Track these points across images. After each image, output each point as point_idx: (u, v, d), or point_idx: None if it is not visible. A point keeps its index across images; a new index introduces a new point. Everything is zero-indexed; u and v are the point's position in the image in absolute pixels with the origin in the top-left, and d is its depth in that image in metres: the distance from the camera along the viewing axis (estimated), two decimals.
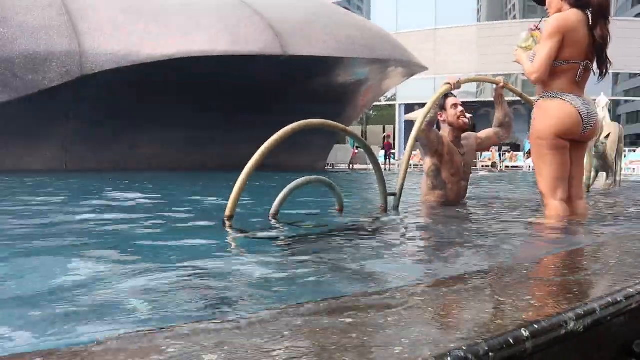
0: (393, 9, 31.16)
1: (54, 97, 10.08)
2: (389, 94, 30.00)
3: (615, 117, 25.70)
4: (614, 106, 25.92)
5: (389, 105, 32.57)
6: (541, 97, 3.76)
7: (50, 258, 2.34)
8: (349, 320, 1.16)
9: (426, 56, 21.82)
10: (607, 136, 7.56)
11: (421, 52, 19.24)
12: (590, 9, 3.62)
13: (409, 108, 30.24)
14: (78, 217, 3.92)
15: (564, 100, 3.62)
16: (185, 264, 2.15)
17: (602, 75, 3.74)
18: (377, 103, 28.41)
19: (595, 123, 3.71)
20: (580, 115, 3.61)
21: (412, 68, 14.17)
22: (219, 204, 4.47)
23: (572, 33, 3.56)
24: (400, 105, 31.59)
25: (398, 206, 4.26)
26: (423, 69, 14.49)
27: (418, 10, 30.41)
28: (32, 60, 9.84)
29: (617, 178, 8.14)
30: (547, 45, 3.56)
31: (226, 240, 3.00)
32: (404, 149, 5.18)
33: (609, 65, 3.72)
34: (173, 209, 4.50)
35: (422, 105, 4.79)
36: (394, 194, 4.26)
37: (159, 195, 5.90)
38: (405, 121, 29.54)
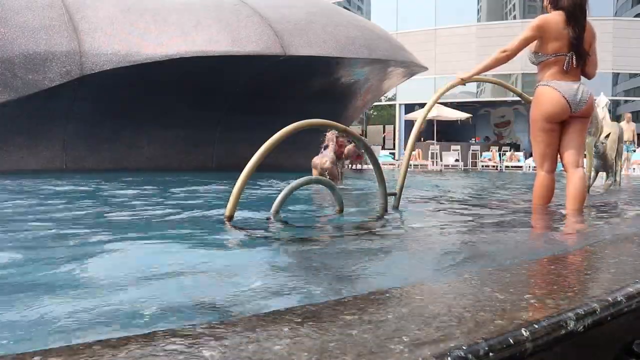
0: (393, 9, 31.12)
1: (54, 97, 10.03)
2: (389, 94, 29.97)
3: (615, 117, 25.68)
4: (614, 106, 25.88)
5: (389, 105, 32.55)
6: (536, 86, 4.43)
7: (48, 256, 2.34)
8: (348, 318, 1.16)
9: (426, 56, 21.80)
10: (607, 136, 7.55)
11: (421, 52, 19.22)
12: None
13: (409, 108, 30.21)
14: (74, 215, 3.92)
15: (551, 87, 4.26)
16: (185, 264, 2.15)
17: (579, 65, 4.29)
18: (377, 103, 28.37)
19: (587, 102, 4.27)
20: (566, 99, 4.22)
21: (412, 68, 14.12)
22: (219, 204, 4.46)
23: (552, 31, 4.23)
24: (400, 105, 31.55)
25: (398, 206, 4.26)
26: (423, 69, 14.44)
27: (418, 10, 30.36)
28: (32, 60, 9.79)
29: (617, 178, 8.14)
30: (523, 34, 4.33)
31: (226, 240, 3.00)
32: (404, 149, 5.33)
33: (586, 57, 4.30)
34: (172, 208, 4.50)
35: (422, 105, 4.96)
36: (394, 194, 4.25)
37: (159, 195, 5.89)
38: (406, 121, 29.50)
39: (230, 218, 3.29)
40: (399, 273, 2.04)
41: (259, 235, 3.03)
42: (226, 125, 12.26)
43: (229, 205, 3.30)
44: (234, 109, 12.08)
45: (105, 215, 4.09)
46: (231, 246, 2.85)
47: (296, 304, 1.34)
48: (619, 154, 8.05)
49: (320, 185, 4.35)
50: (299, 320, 1.15)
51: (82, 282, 1.89)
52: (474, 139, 28.90)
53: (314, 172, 7.25)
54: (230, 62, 10.77)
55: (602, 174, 8.07)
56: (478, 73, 4.60)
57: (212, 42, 10.63)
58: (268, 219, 3.46)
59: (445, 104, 25.83)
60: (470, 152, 24.93)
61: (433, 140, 25.65)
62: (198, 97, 11.52)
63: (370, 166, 4.24)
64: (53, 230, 3.17)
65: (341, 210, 3.91)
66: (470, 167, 24.31)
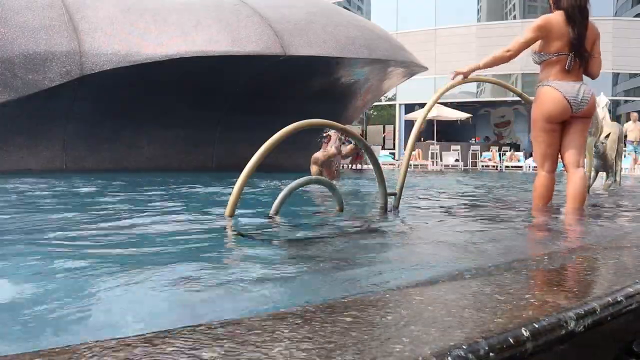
0: (393, 9, 31.13)
1: (54, 97, 10.02)
2: (389, 94, 29.96)
3: (615, 117, 25.67)
4: (613, 106, 25.87)
5: (389, 105, 32.56)
6: (537, 85, 4.43)
7: (45, 255, 2.34)
8: (348, 319, 1.16)
9: (426, 56, 21.79)
10: (607, 136, 7.56)
11: (421, 52, 19.21)
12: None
13: (409, 108, 30.20)
14: (70, 217, 3.91)
15: (553, 87, 4.25)
16: (184, 264, 2.15)
17: (581, 65, 4.30)
18: (377, 103, 28.36)
19: (588, 102, 4.26)
20: (567, 99, 4.21)
21: (412, 68, 14.10)
22: (219, 204, 4.46)
23: (554, 31, 4.23)
24: (400, 105, 31.54)
25: (398, 206, 4.26)
26: (423, 69, 14.41)
27: (418, 10, 30.37)
28: (32, 60, 9.79)
29: (617, 178, 8.14)
30: (526, 35, 4.32)
31: (226, 240, 3.00)
32: (404, 149, 5.36)
33: (587, 56, 4.29)
34: (172, 208, 4.50)
35: (422, 105, 4.99)
36: (394, 194, 4.25)
37: (159, 195, 5.90)
38: (406, 121, 29.49)
39: (230, 218, 3.29)
40: (398, 273, 2.04)
41: (258, 235, 3.03)
42: (226, 125, 12.26)
43: (229, 205, 3.30)
44: (234, 109, 12.08)
45: (105, 215, 4.09)
46: (231, 246, 2.85)
47: (296, 304, 1.33)
48: (619, 154, 8.06)
49: (320, 186, 4.35)
50: (299, 321, 1.14)
51: (73, 280, 1.88)
52: (474, 139, 28.90)
53: (314, 168, 7.27)
54: (230, 62, 10.77)
55: (602, 174, 8.08)
56: (478, 69, 4.59)
57: (212, 42, 10.62)
58: (268, 218, 3.46)
59: (445, 104, 25.85)
60: (470, 152, 24.94)
61: (433, 140, 25.66)
62: (198, 97, 11.51)
63: (370, 166, 4.24)
64: (55, 233, 3.16)
65: (341, 210, 3.91)
66: (470, 167, 24.32)
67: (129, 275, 1.94)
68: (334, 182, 5.87)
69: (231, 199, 3.29)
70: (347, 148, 7.48)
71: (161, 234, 3.09)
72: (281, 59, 11.04)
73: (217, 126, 12.36)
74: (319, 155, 7.34)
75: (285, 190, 3.54)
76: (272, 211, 3.48)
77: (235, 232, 3.15)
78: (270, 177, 7.83)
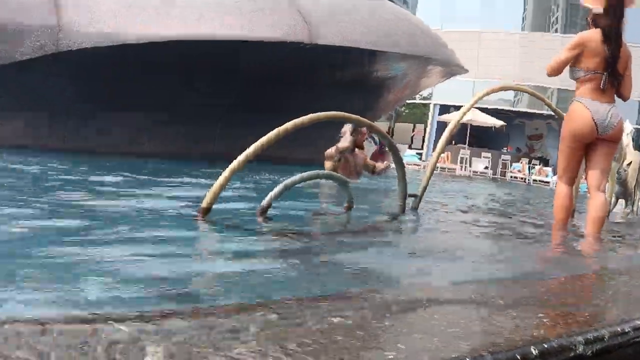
0: (439, 6, 30.72)
1: (25, 71, 9.47)
2: (424, 93, 29.65)
3: (638, 146, 25.12)
4: (638, 134, 25.31)
5: (423, 104, 32.26)
6: (571, 101, 4.39)
7: (29, 238, 2.33)
8: (336, 320, 1.13)
9: (468, 56, 21.12)
10: (630, 164, 7.50)
11: (463, 53, 18.81)
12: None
13: (444, 109, 29.65)
14: (47, 200, 3.75)
15: (583, 104, 4.19)
16: (161, 256, 2.11)
17: (613, 85, 4.23)
18: (410, 100, 28.07)
19: (615, 126, 4.20)
20: (594, 120, 4.14)
21: (452, 68, 13.73)
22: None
23: (590, 48, 4.18)
24: (435, 105, 31.15)
25: (417, 208, 4.22)
26: (464, 70, 14.07)
27: (464, 10, 29.91)
28: (3, 31, 9.22)
29: (634, 208, 8.04)
30: (564, 53, 4.29)
31: (204, 234, 2.91)
32: (433, 151, 5.35)
33: (620, 77, 4.24)
34: (153, 197, 4.32)
35: (458, 107, 4.97)
36: (415, 195, 4.21)
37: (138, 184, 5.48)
38: (438, 122, 29.07)
39: (208, 210, 2.98)
40: (401, 274, 2.01)
41: (254, 231, 2.94)
42: (227, 121, 11.75)
43: (209, 196, 3.00)
44: (238, 102, 11.55)
45: (83, 204, 3.80)
46: (217, 242, 2.77)
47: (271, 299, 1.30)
48: (638, 183, 7.96)
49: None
50: (273, 318, 1.12)
51: (48, 264, 1.87)
52: (506, 149, 28.53)
53: (327, 164, 6.95)
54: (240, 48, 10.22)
55: (622, 201, 8.04)
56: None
57: (222, 26, 9.85)
58: (262, 211, 3.17)
59: (481, 109, 25.47)
60: (501, 161, 24.68)
61: (464, 144, 25.40)
62: (200, 92, 10.99)
63: (394, 165, 4.20)
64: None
65: (349, 208, 3.79)
66: (499, 176, 24.08)
67: (98, 263, 1.91)
68: (352, 180, 5.75)
69: (212, 190, 3.01)
70: (381, 165, 7.24)
71: (140, 224, 2.95)
72: (307, 47, 10.42)
73: (218, 122, 11.88)
74: (331, 150, 7.09)
75: (286, 182, 3.23)
76: (262, 203, 3.17)
77: (228, 228, 3.04)
78: (274, 171, 7.60)
